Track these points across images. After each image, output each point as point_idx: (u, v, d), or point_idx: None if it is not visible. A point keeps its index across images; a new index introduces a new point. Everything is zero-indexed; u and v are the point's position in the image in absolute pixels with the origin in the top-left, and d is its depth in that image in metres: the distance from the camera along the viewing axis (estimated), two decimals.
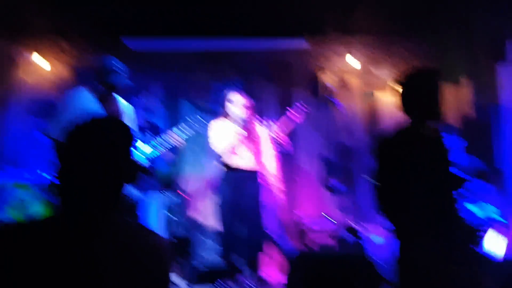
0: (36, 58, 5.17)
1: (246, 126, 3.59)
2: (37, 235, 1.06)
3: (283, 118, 4.49)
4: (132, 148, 1.24)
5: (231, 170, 3.58)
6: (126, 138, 1.23)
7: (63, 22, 4.93)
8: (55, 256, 1.04)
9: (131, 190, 2.70)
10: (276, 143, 4.50)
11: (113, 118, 1.27)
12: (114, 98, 2.97)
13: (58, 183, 1.15)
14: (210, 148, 3.74)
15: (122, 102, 3.05)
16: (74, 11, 4.66)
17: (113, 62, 2.91)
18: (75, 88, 2.98)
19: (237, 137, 3.53)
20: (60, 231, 1.08)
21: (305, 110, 4.58)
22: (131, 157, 1.23)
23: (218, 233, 3.61)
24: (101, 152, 1.16)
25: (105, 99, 2.90)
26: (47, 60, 5.26)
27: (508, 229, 3.33)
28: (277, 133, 4.44)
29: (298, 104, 4.56)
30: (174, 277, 3.85)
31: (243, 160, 3.59)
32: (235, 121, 3.58)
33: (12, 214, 3.02)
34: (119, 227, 1.15)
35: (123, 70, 2.91)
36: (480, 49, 4.86)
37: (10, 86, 5.20)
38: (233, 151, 3.56)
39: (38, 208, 2.95)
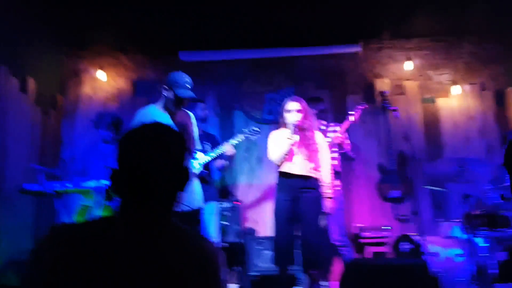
0: (99, 73, 5.46)
1: (302, 132, 3.55)
2: (91, 234, 1.11)
3: (343, 121, 4.47)
4: (185, 157, 1.27)
5: (286, 178, 3.55)
6: (180, 146, 1.26)
7: (123, 39, 5.19)
8: (106, 255, 1.08)
9: (184, 197, 2.76)
10: (337, 146, 4.46)
11: (167, 125, 1.29)
12: (182, 110, 3.05)
13: (116, 187, 1.19)
14: (265, 157, 3.74)
15: (187, 113, 3.13)
16: (132, 28, 4.89)
17: (178, 75, 2.98)
18: (146, 105, 3.09)
19: (292, 144, 3.49)
20: (114, 232, 1.13)
21: (363, 108, 4.58)
22: (185, 164, 1.25)
23: (273, 241, 3.60)
24: (155, 158, 1.19)
25: (173, 112, 2.98)
26: (110, 76, 5.54)
27: None
28: (337, 135, 4.41)
29: (356, 104, 4.60)
30: (228, 285, 3.89)
31: (298, 167, 3.55)
32: (290, 129, 3.53)
33: (76, 219, 3.20)
34: (171, 232, 1.18)
35: (188, 82, 2.98)
36: None
37: (75, 100, 5.54)
38: (288, 159, 3.53)
39: (99, 213, 3.10)
